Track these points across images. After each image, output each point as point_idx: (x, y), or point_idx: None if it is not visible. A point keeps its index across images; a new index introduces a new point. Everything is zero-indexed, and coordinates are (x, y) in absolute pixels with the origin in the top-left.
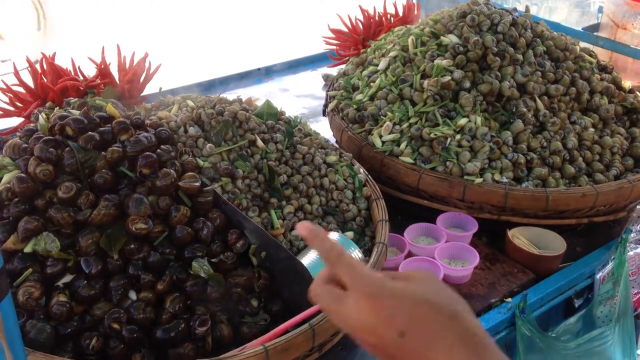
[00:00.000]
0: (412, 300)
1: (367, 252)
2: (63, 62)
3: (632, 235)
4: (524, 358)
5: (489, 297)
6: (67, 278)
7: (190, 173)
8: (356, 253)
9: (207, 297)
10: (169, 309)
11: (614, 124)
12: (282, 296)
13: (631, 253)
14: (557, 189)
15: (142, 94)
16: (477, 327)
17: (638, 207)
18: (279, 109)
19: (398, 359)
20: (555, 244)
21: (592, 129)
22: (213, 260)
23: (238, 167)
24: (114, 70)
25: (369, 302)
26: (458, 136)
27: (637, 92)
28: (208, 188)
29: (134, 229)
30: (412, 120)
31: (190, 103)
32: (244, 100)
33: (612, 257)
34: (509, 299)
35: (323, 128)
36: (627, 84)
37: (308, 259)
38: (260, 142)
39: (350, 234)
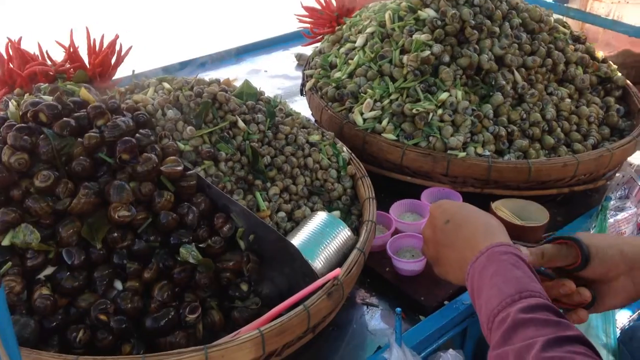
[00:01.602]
0: (457, 206)
1: (354, 231)
2: (29, 46)
3: (611, 202)
4: None
5: None
6: (49, 270)
7: (171, 157)
8: (345, 232)
9: (196, 284)
10: (157, 298)
11: (589, 94)
12: (272, 279)
13: (611, 220)
14: (538, 160)
15: (113, 78)
16: (495, 224)
17: (617, 174)
18: (257, 89)
19: (440, 242)
20: (538, 215)
21: (568, 100)
22: (200, 245)
23: (220, 150)
24: (84, 54)
25: (435, 208)
26: (440, 111)
27: (610, 62)
28: (191, 172)
29: (116, 216)
30: (393, 97)
31: (167, 85)
32: (221, 81)
33: (593, 225)
34: None
35: (300, 108)
36: (599, 53)
37: (298, 239)
38: (241, 124)
39: (336, 213)
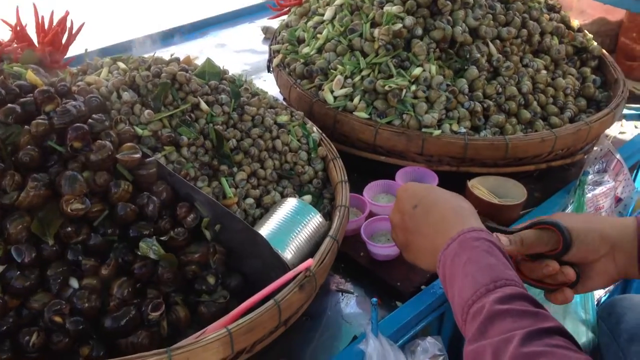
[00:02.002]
0: (425, 189)
1: (326, 215)
2: None
3: (589, 177)
4: None
5: None
6: None
7: (128, 144)
8: (317, 219)
9: (159, 279)
10: (117, 295)
11: (565, 65)
12: (241, 270)
13: (589, 195)
14: (516, 136)
15: (65, 57)
16: (466, 206)
17: (595, 148)
18: (221, 67)
19: (409, 229)
20: (515, 192)
21: (544, 72)
22: (162, 238)
23: (182, 134)
24: (32, 33)
25: (402, 191)
26: (413, 87)
27: (586, 31)
28: (150, 159)
29: (69, 210)
30: (364, 73)
31: (122, 65)
32: (181, 59)
33: (571, 201)
34: None
35: (269, 86)
36: (575, 22)
37: (267, 229)
38: (204, 105)
39: (307, 197)
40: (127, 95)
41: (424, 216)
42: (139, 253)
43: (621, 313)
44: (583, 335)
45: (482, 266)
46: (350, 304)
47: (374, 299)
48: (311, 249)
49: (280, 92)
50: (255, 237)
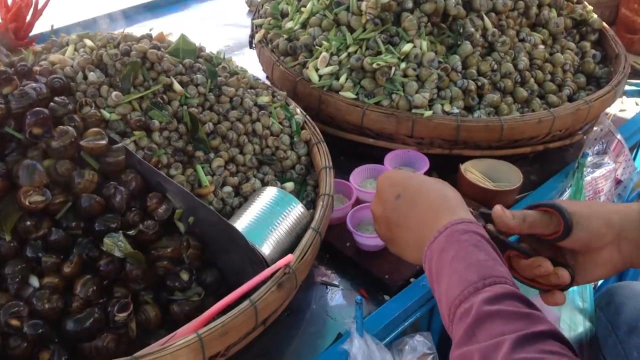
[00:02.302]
0: (408, 177)
1: (310, 204)
2: None
3: (588, 159)
4: None
5: None
6: None
7: (94, 129)
8: (298, 209)
9: (127, 276)
10: (80, 295)
11: (563, 39)
12: (217, 265)
13: (588, 178)
14: (512, 117)
15: (31, 34)
16: (453, 195)
17: (595, 128)
18: (197, 44)
19: (393, 220)
20: (511, 176)
21: (542, 46)
22: (130, 233)
23: (153, 118)
24: None
25: (383, 180)
26: (403, 64)
27: (585, 3)
28: (118, 145)
29: (27, 202)
30: (351, 50)
31: (89, 42)
32: (154, 36)
33: (570, 184)
34: None
35: (251, 63)
36: None
37: (244, 221)
38: (177, 86)
39: (290, 184)
40: (93, 76)
41: (408, 207)
42: (105, 248)
43: (620, 303)
44: (580, 325)
45: (471, 262)
46: (336, 297)
47: (358, 297)
48: (292, 242)
49: (263, 69)
50: (230, 231)
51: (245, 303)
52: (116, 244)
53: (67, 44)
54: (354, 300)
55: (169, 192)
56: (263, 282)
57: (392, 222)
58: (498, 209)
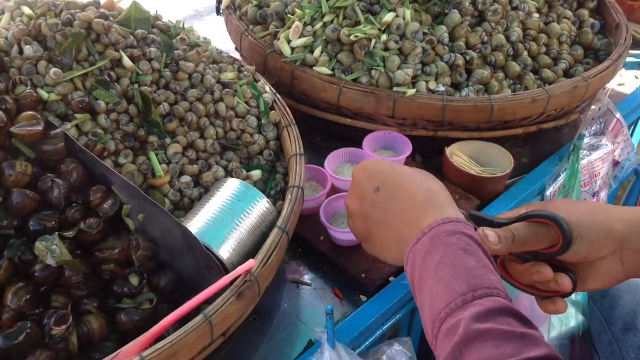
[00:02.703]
0: (389, 167)
1: (280, 194)
2: None
3: (585, 140)
4: None
5: None
6: None
7: (29, 112)
8: (263, 205)
9: (67, 283)
10: (11, 306)
11: (560, 7)
12: (172, 266)
13: (584, 161)
14: (503, 96)
15: None
16: (439, 190)
17: (592, 107)
18: (153, 13)
19: (371, 216)
20: (501, 160)
21: (537, 15)
22: (67, 235)
23: (99, 98)
24: None
25: (359, 172)
26: (384, 37)
27: None
28: (56, 131)
29: None
30: (326, 19)
31: (27, 10)
32: (102, 3)
33: (565, 168)
34: None
35: (219, 33)
36: None
37: (200, 220)
38: (127, 61)
39: (257, 173)
40: (29, 50)
41: (388, 201)
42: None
43: (616, 296)
44: (572, 318)
45: (459, 269)
46: (308, 297)
47: (329, 307)
48: (256, 242)
49: (232, 39)
50: (183, 233)
51: (199, 318)
52: (49, 250)
53: (3, 12)
54: (329, 301)
55: (115, 186)
56: (222, 290)
57: (369, 218)
58: (480, 232)
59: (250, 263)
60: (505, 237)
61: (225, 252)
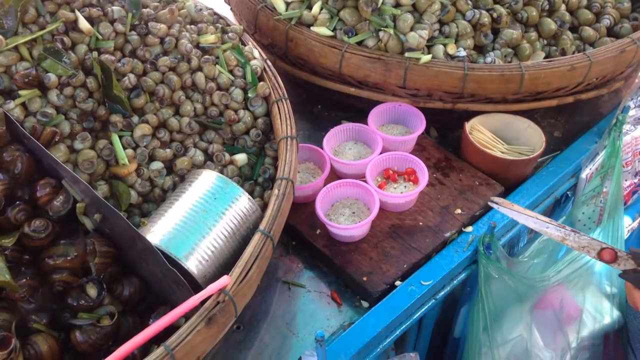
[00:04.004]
0: None
1: (268, 182)
2: None
3: (630, 113)
4: (488, 304)
5: (442, 229)
6: None
7: None
8: (243, 202)
9: (9, 296)
10: None
11: None
12: (137, 273)
13: (627, 137)
14: (535, 64)
15: None
16: None
17: None
18: None
19: None
20: (529, 135)
21: None
22: (5, 242)
23: (49, 70)
24: None
25: None
26: None
27: None
28: None
29: None
30: None
31: None
32: None
33: (605, 144)
34: (470, 228)
35: None
36: None
37: (166, 224)
38: (84, 23)
39: (242, 157)
40: None
41: None
42: None
43: None
44: (606, 314)
45: None
46: (301, 302)
47: (320, 332)
48: (236, 247)
49: None
50: (142, 243)
51: (159, 351)
52: None
53: None
54: (323, 306)
55: (66, 180)
56: (192, 309)
57: None
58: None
59: (224, 280)
60: None
61: (195, 263)
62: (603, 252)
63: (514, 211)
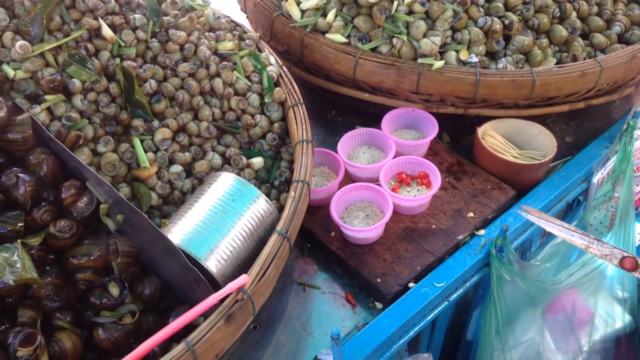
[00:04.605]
0: None
1: (284, 185)
2: None
3: None
4: (501, 307)
5: (454, 232)
6: None
7: None
8: (260, 204)
9: (35, 294)
10: None
11: None
12: (158, 272)
13: (638, 142)
14: (547, 69)
15: None
16: None
17: None
18: None
19: None
20: (541, 140)
21: None
22: (31, 242)
23: (73, 76)
24: None
25: None
26: None
27: None
28: (23, 117)
29: None
30: None
31: None
32: None
33: (616, 150)
34: (482, 231)
35: None
36: None
37: (186, 225)
38: (107, 31)
39: (258, 160)
40: None
41: None
42: (5, 255)
43: None
44: (618, 318)
45: None
46: (316, 303)
47: (335, 331)
48: (254, 247)
49: (237, 1)
50: (164, 243)
51: (180, 348)
52: (9, 263)
53: None
54: (338, 307)
55: (90, 182)
56: (212, 307)
57: None
58: None
59: (243, 279)
60: None
61: (214, 262)
62: (624, 260)
63: (541, 219)
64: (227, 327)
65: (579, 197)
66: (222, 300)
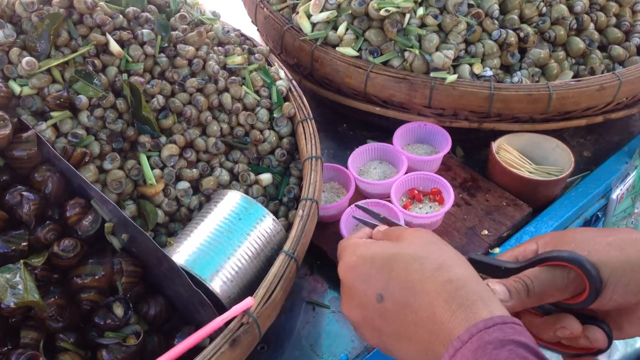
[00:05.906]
0: (388, 259)
1: (293, 202)
2: None
3: None
4: None
5: (468, 250)
6: None
7: None
8: (267, 223)
9: (38, 314)
10: None
11: None
12: (163, 292)
13: None
14: (563, 83)
15: None
16: (460, 276)
17: None
18: None
19: (384, 330)
20: (558, 155)
21: None
22: (34, 262)
23: (80, 92)
24: None
25: (346, 273)
26: (420, 10)
27: None
28: (28, 134)
29: None
30: None
31: None
32: None
33: (635, 165)
34: (497, 250)
35: (236, 6)
36: None
37: (191, 245)
38: (115, 46)
39: (266, 177)
40: (0, 34)
41: (401, 311)
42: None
43: None
44: (638, 338)
45: None
46: (326, 323)
47: (344, 355)
48: (260, 268)
49: (247, 13)
50: (168, 263)
51: None
52: (10, 284)
53: None
54: (349, 327)
55: (94, 200)
56: (217, 330)
57: (382, 332)
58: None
59: (248, 302)
60: (517, 290)
61: (219, 283)
62: None
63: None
64: (232, 351)
65: (598, 213)
66: (227, 323)
